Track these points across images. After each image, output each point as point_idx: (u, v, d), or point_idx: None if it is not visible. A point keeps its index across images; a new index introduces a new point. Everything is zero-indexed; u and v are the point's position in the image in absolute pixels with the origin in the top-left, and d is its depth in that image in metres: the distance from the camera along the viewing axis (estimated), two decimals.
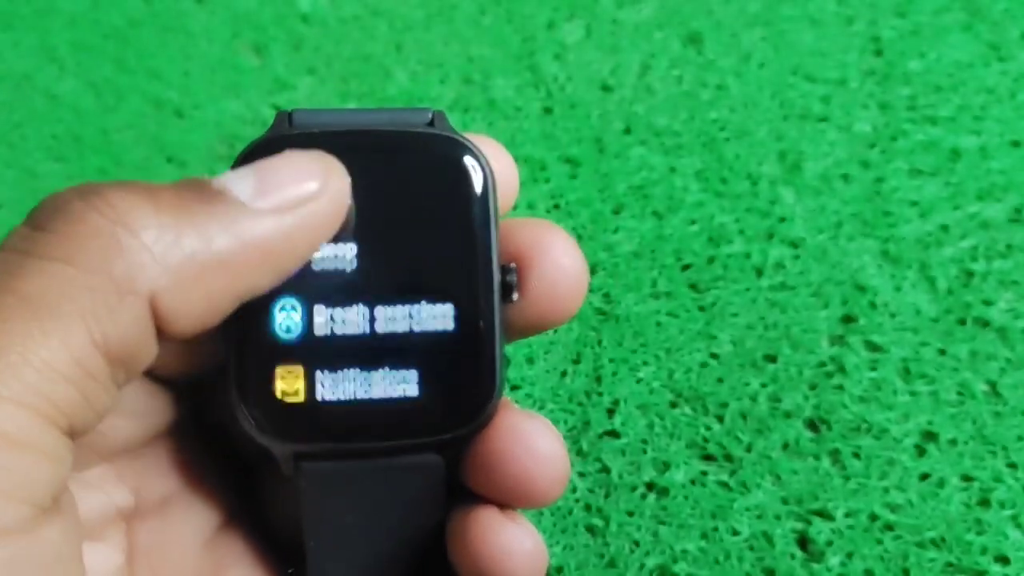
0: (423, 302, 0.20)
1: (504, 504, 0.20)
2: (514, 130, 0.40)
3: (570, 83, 0.41)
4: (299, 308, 0.20)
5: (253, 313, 0.20)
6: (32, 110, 0.42)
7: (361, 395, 0.20)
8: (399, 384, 0.20)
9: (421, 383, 0.20)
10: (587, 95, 0.41)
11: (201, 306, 0.18)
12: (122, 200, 0.17)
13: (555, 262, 0.21)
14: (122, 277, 0.16)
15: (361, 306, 0.20)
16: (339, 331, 0.20)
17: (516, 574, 0.19)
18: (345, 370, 0.20)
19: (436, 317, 0.20)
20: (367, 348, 0.20)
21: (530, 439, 0.20)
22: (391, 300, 0.20)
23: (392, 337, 0.20)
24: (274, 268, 0.18)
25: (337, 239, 0.20)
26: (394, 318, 0.20)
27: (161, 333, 0.17)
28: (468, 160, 0.21)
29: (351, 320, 0.20)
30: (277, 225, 0.18)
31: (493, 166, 0.21)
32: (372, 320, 0.20)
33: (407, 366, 0.20)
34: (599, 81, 0.41)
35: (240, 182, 0.18)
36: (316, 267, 0.20)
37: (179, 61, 0.43)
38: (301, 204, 0.18)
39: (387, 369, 0.20)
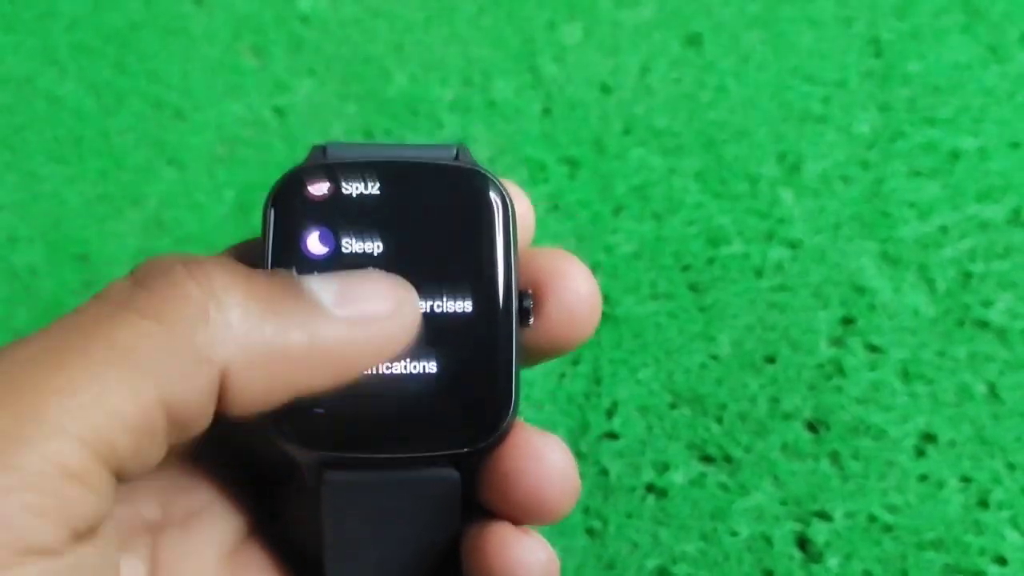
0: (446, 321, 0.21)
1: (517, 520, 0.21)
2: (513, 131, 0.40)
3: (570, 84, 0.42)
4: None
5: None
6: (33, 113, 0.42)
7: (385, 407, 0.21)
8: (421, 399, 0.21)
9: (441, 396, 0.21)
10: (587, 96, 0.41)
11: (262, 391, 0.19)
12: (220, 276, 0.19)
13: (571, 289, 0.22)
14: (202, 345, 0.18)
15: None
16: None
17: None
18: (369, 382, 0.21)
19: (459, 337, 0.21)
20: (391, 366, 0.21)
21: (542, 455, 0.21)
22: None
23: (415, 355, 0.21)
24: (334, 372, 0.19)
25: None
26: (419, 335, 0.21)
27: (220, 407, 0.18)
28: (491, 191, 0.22)
29: None
30: (348, 334, 0.19)
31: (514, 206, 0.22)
32: None
33: (428, 379, 0.21)
34: (598, 82, 0.41)
35: (325, 288, 0.20)
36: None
37: (179, 63, 0.43)
38: (373, 321, 0.20)
39: (411, 384, 0.21)
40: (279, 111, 0.42)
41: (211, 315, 0.18)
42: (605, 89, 0.41)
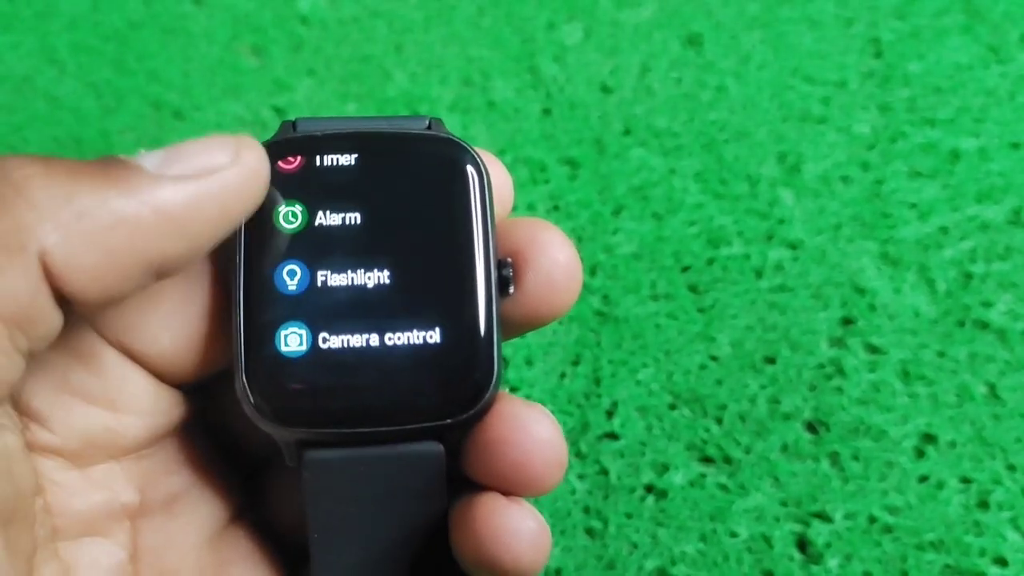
0: (424, 293, 0.21)
1: (505, 492, 0.21)
2: (513, 131, 0.40)
3: (570, 84, 0.41)
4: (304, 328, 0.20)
5: (261, 310, 0.20)
6: (32, 112, 0.42)
7: (364, 381, 0.20)
8: (401, 373, 0.20)
9: (421, 369, 0.20)
10: (587, 96, 0.41)
11: (102, 266, 0.17)
12: (16, 166, 0.17)
13: (550, 257, 0.21)
14: (7, 234, 0.16)
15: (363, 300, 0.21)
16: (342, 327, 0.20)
17: (521, 554, 0.20)
18: (347, 356, 0.20)
19: (438, 308, 0.21)
20: (368, 340, 0.20)
21: (528, 425, 0.21)
22: (393, 292, 0.21)
23: (396, 326, 0.20)
24: (182, 234, 0.18)
25: (345, 245, 0.20)
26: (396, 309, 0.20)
27: (62, 296, 0.17)
28: (466, 159, 0.21)
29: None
30: (180, 191, 0.18)
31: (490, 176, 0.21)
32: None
33: (408, 351, 0.20)
34: (599, 82, 0.41)
35: (149, 156, 0.18)
36: (320, 282, 0.20)
37: (179, 63, 0.43)
38: (207, 173, 0.18)
39: (391, 357, 0.20)
40: (279, 111, 0.42)
41: (8, 201, 0.17)
42: (605, 89, 0.41)
